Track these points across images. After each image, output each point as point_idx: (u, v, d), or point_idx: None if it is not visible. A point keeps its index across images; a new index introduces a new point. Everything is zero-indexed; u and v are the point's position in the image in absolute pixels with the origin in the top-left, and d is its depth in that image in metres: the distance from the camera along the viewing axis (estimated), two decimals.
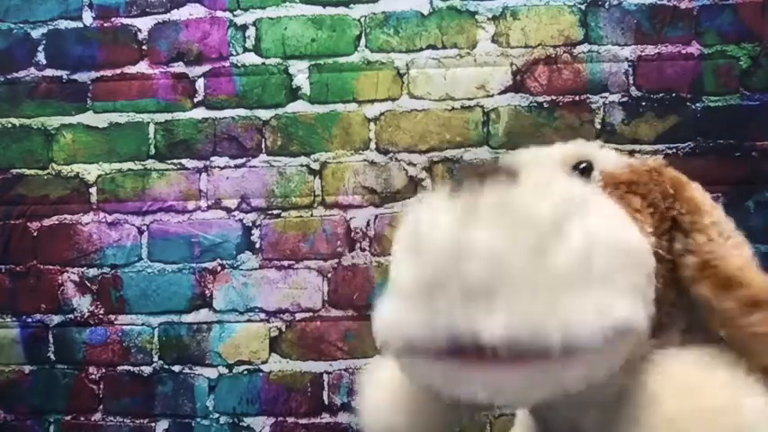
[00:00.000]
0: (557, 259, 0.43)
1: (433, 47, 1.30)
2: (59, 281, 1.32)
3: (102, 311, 1.31)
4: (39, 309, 1.32)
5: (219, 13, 1.33)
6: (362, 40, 1.31)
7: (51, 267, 1.32)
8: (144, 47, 1.34)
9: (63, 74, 1.35)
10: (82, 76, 1.34)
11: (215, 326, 1.29)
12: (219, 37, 1.33)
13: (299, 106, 1.31)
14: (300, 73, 1.31)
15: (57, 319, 1.31)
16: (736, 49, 1.25)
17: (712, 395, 0.45)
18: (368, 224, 1.28)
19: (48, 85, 1.35)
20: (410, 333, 0.45)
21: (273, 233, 1.30)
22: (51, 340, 1.31)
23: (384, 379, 0.65)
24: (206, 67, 1.33)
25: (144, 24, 1.34)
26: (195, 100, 1.33)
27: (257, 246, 1.30)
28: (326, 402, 1.27)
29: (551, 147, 0.65)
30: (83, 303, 1.31)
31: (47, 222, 1.33)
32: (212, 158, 1.32)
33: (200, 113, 1.32)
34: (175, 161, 1.32)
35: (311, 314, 1.28)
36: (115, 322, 1.31)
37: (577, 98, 1.27)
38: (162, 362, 1.30)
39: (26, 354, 1.31)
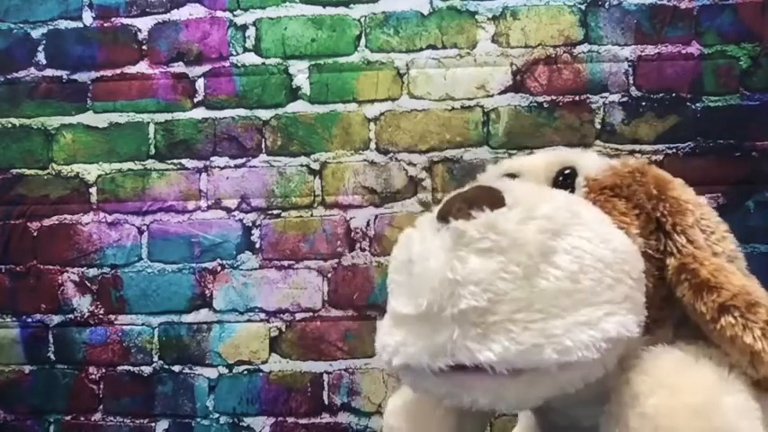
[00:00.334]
0: (546, 282, 0.45)
1: (433, 47, 1.30)
2: (59, 281, 1.32)
3: (102, 311, 1.31)
4: (39, 309, 1.32)
5: (219, 13, 1.33)
6: (362, 40, 1.31)
7: (51, 267, 1.32)
8: (144, 47, 1.34)
9: (63, 74, 1.35)
10: (82, 76, 1.34)
11: (215, 326, 1.29)
12: (219, 37, 1.33)
13: (299, 106, 1.31)
14: (300, 73, 1.31)
15: (57, 319, 1.31)
16: (736, 49, 1.25)
17: (693, 394, 0.45)
18: (368, 224, 1.28)
19: (48, 85, 1.35)
20: (410, 359, 0.47)
21: (273, 233, 1.30)
22: (51, 340, 1.31)
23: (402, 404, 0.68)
24: (206, 67, 1.33)
25: (144, 24, 1.34)
26: (195, 100, 1.33)
27: (257, 246, 1.30)
28: (326, 402, 1.27)
29: (535, 155, 0.68)
30: (83, 303, 1.31)
31: (47, 222, 1.33)
32: (212, 158, 1.32)
33: (200, 113, 1.32)
34: (175, 161, 1.32)
35: (311, 314, 1.28)
36: (115, 322, 1.31)
37: (577, 98, 1.27)
38: (162, 362, 1.30)
39: (26, 354, 1.31)
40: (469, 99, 1.28)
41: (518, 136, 1.27)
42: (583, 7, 1.28)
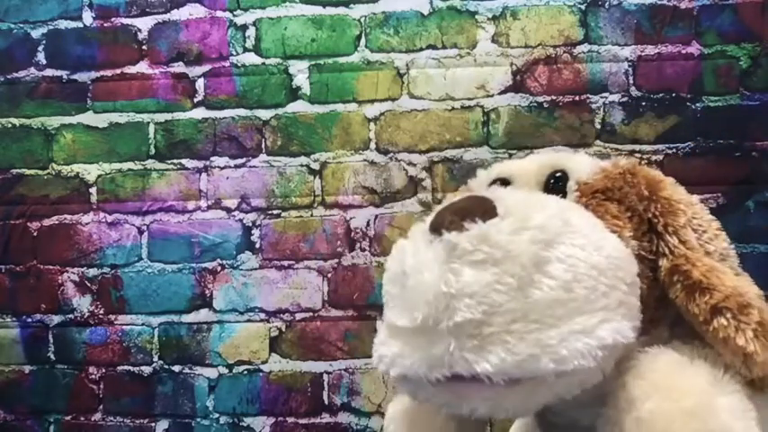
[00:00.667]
0: (541, 292, 0.45)
1: (433, 47, 1.30)
2: (59, 281, 1.32)
3: (102, 311, 1.31)
4: (39, 309, 1.32)
5: (219, 13, 1.33)
6: (362, 40, 1.31)
7: (51, 267, 1.32)
8: (144, 47, 1.34)
9: (63, 74, 1.35)
10: (82, 76, 1.34)
11: (215, 326, 1.29)
12: (219, 37, 1.33)
13: (299, 106, 1.31)
14: (300, 73, 1.31)
15: (57, 319, 1.31)
16: (736, 49, 1.25)
17: (687, 396, 0.45)
18: (368, 224, 1.28)
19: (48, 85, 1.35)
20: (407, 371, 0.47)
21: (273, 233, 1.30)
22: (51, 340, 1.31)
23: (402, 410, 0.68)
24: (206, 67, 1.33)
25: (144, 24, 1.34)
26: (195, 100, 1.33)
27: (257, 246, 1.30)
28: (326, 402, 1.27)
29: (525, 159, 0.67)
30: (83, 303, 1.31)
31: (47, 222, 1.33)
32: (212, 158, 1.32)
33: (200, 113, 1.32)
34: (175, 161, 1.32)
35: (311, 314, 1.28)
36: (115, 322, 1.31)
37: (577, 98, 1.27)
38: (162, 362, 1.30)
39: (26, 354, 1.31)
40: (469, 99, 1.28)
41: (518, 136, 1.27)
42: (583, 7, 1.28)
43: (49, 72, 1.35)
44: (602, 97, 1.27)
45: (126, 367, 1.30)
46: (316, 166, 1.30)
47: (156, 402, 1.29)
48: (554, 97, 1.27)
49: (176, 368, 1.29)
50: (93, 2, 1.35)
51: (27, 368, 1.31)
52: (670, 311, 0.54)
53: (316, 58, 1.31)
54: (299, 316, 1.28)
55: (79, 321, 1.31)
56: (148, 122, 1.33)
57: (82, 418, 1.30)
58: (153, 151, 1.33)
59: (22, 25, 1.36)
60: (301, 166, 1.30)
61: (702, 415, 0.44)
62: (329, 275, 1.28)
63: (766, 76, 1.25)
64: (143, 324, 1.30)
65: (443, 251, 0.46)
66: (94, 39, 1.35)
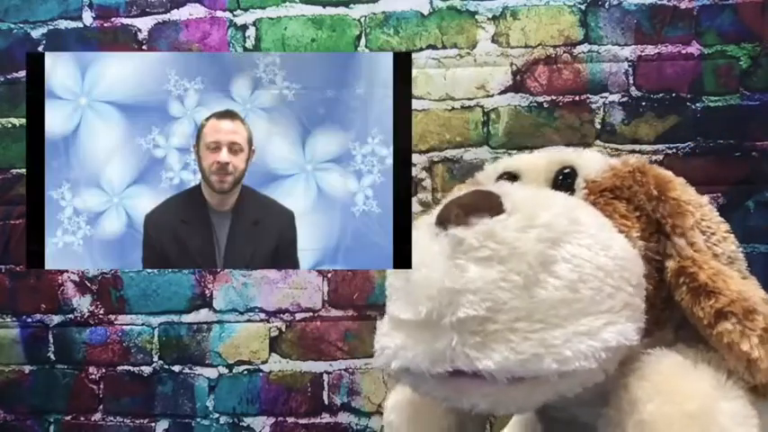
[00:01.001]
0: (546, 291, 0.45)
1: (433, 47, 1.30)
2: (59, 281, 1.32)
3: (102, 311, 1.31)
4: (39, 309, 1.32)
5: (219, 13, 1.33)
6: (362, 40, 1.31)
7: (51, 267, 1.32)
8: (144, 47, 1.34)
9: None
10: None
11: (215, 326, 1.29)
12: (219, 37, 1.33)
13: None
14: None
15: (57, 319, 1.31)
16: (736, 49, 1.25)
17: (689, 400, 0.45)
18: None
19: None
20: (409, 364, 0.47)
21: None
22: (51, 340, 1.31)
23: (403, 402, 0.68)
24: None
25: (144, 24, 1.34)
26: None
27: None
28: (326, 402, 1.27)
29: (534, 154, 0.66)
30: (83, 303, 1.31)
31: None
32: None
33: None
34: None
35: (311, 314, 1.28)
36: (115, 322, 1.31)
37: (577, 98, 1.27)
38: (162, 362, 1.30)
39: (26, 354, 1.31)
40: (469, 99, 1.28)
41: (518, 136, 1.27)
42: (583, 7, 1.28)
43: None
44: (602, 97, 1.27)
45: (126, 367, 1.30)
46: None
47: (156, 402, 1.29)
48: (554, 97, 1.27)
49: (176, 368, 1.29)
50: (93, 2, 1.35)
51: (27, 368, 1.31)
52: (676, 314, 0.54)
53: None
54: (299, 316, 1.28)
55: (79, 321, 1.31)
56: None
57: (82, 418, 1.30)
58: None
59: (22, 25, 1.36)
60: None
61: (704, 419, 0.44)
62: (329, 275, 1.28)
63: (766, 76, 1.25)
64: (143, 324, 1.30)
65: (449, 246, 0.46)
66: (94, 39, 1.35)
